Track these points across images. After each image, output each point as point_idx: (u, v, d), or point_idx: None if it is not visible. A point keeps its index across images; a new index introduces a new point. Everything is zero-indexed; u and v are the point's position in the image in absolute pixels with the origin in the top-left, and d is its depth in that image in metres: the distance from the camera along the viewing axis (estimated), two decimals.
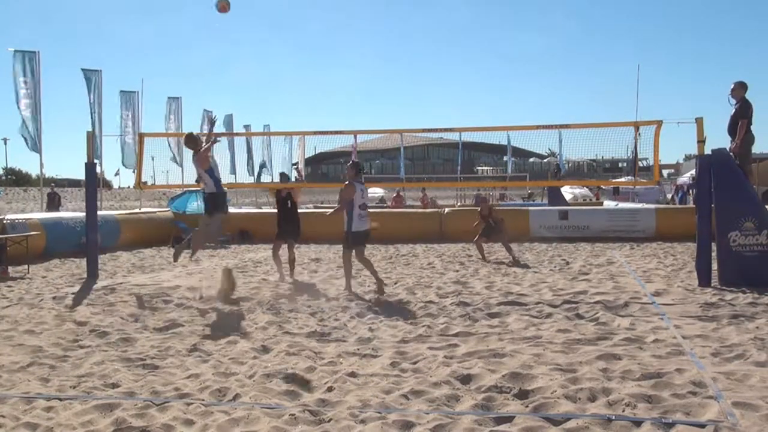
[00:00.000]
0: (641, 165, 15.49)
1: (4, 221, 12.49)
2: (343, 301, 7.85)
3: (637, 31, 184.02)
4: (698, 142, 8.80)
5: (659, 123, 9.29)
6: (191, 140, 8.79)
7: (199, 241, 9.10)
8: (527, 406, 3.94)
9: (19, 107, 17.72)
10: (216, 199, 8.68)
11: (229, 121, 29.08)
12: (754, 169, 11.78)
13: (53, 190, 24.37)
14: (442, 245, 15.35)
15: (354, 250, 8.39)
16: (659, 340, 5.52)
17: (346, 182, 8.43)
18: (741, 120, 8.96)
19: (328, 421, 3.77)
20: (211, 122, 10.96)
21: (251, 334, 6.11)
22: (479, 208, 13.05)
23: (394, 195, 30.16)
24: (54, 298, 8.27)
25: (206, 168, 8.61)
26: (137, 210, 21.13)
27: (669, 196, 33.77)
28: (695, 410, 3.78)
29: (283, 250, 9.88)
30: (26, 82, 17.84)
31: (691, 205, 21.79)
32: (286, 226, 9.90)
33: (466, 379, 4.48)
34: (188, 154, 24.22)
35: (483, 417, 3.78)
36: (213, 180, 8.65)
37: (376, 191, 39.02)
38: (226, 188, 9.27)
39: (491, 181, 46.98)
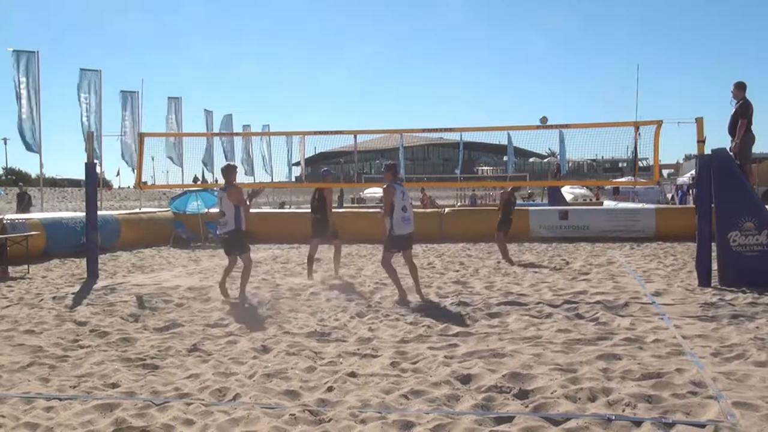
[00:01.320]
0: (641, 165, 15.49)
1: (4, 221, 12.49)
2: (343, 301, 7.84)
3: (637, 31, 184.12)
4: (698, 142, 8.80)
5: (659, 123, 9.28)
6: (230, 170, 8.44)
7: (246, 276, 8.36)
8: (527, 406, 3.94)
9: (19, 107, 17.67)
10: (236, 238, 8.21)
11: (228, 121, 29.12)
12: (754, 169, 11.78)
13: (23, 190, 23.96)
14: (442, 245, 15.35)
15: (386, 253, 8.04)
16: (659, 340, 5.52)
17: (385, 185, 8.06)
18: (741, 120, 8.96)
19: (328, 421, 3.77)
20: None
21: (251, 334, 6.12)
22: (506, 196, 12.30)
23: None
24: (54, 298, 8.27)
25: (236, 202, 8.14)
26: (137, 210, 21.14)
27: (669, 196, 33.81)
28: (695, 410, 3.78)
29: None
30: (26, 82, 17.83)
31: (691, 205, 21.80)
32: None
33: (466, 379, 4.48)
34: (188, 153, 24.04)
35: (483, 417, 3.78)
36: (236, 217, 8.15)
37: (376, 191, 39.05)
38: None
39: (491, 181, 47.03)
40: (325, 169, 11.30)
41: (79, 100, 20.03)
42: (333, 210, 10.42)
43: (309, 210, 10.22)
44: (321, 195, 10.04)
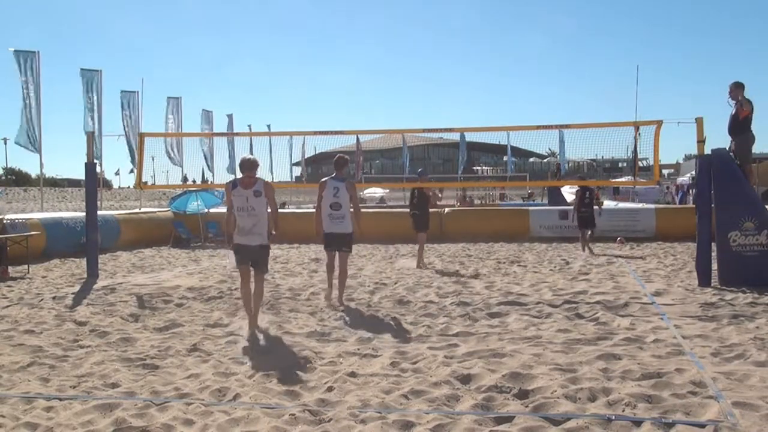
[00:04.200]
0: (641, 165, 15.50)
1: (4, 221, 12.48)
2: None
3: (637, 31, 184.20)
4: (698, 142, 8.80)
5: (659, 123, 9.29)
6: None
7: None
8: (527, 406, 3.94)
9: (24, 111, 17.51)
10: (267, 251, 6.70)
11: (229, 120, 29.07)
12: (754, 169, 11.78)
13: None
14: (442, 245, 15.34)
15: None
16: (659, 340, 5.52)
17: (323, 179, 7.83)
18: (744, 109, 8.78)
19: (328, 421, 3.77)
20: None
21: (251, 334, 6.11)
22: (581, 193, 13.50)
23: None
24: (54, 298, 8.27)
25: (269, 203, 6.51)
26: (137, 210, 21.12)
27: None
28: (695, 410, 3.78)
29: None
30: (26, 83, 17.78)
31: (691, 205, 21.79)
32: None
33: (466, 379, 4.48)
34: (188, 153, 23.93)
35: (483, 417, 3.78)
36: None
37: (375, 191, 39.00)
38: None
39: (491, 181, 47.01)
40: (420, 170, 12.61)
41: (86, 102, 19.97)
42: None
43: (408, 208, 11.54)
44: (421, 193, 11.42)
